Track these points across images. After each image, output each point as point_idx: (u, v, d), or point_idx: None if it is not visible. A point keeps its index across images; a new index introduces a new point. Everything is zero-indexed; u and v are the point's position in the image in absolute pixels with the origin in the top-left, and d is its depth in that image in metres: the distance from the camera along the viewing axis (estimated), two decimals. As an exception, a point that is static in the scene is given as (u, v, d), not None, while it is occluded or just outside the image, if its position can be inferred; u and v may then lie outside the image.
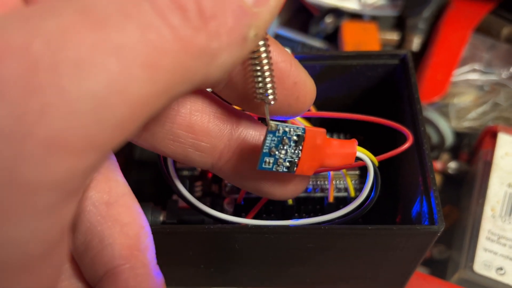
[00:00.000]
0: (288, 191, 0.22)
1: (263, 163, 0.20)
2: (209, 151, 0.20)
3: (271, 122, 0.19)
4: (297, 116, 0.21)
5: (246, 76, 0.19)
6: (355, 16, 0.47)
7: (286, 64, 0.19)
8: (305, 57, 0.29)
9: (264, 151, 0.20)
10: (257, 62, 0.18)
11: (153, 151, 0.20)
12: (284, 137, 0.20)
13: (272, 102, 0.19)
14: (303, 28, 0.49)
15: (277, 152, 0.20)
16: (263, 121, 0.21)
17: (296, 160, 0.20)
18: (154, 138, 0.19)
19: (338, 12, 0.46)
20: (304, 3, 0.48)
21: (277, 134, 0.19)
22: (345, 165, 0.23)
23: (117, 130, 0.13)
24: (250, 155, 0.20)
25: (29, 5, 0.14)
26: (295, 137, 0.20)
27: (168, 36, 0.13)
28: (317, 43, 0.46)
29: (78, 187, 0.13)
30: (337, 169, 0.28)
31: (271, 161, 0.20)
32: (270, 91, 0.18)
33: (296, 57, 0.28)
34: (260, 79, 0.18)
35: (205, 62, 0.14)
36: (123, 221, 0.18)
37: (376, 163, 0.23)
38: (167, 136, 0.19)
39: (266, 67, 0.18)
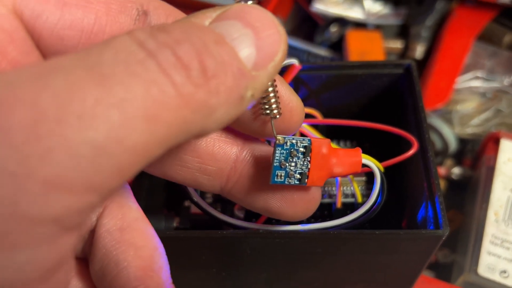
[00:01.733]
0: (298, 210, 0.22)
1: (275, 177, 0.21)
2: (216, 175, 0.21)
3: (278, 136, 0.20)
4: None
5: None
6: (359, 25, 0.48)
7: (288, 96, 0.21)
8: (312, 67, 0.30)
9: (275, 164, 0.20)
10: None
11: (164, 177, 0.21)
12: (292, 149, 0.20)
13: (278, 116, 0.20)
14: (309, 37, 0.50)
15: (287, 165, 0.20)
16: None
17: (306, 171, 0.21)
18: (162, 165, 0.21)
19: (342, 21, 0.47)
20: (310, 13, 0.49)
21: (285, 147, 0.20)
22: (353, 173, 0.24)
23: (115, 175, 0.14)
24: (257, 176, 0.21)
25: (43, 61, 0.15)
26: (302, 149, 0.21)
27: (171, 92, 0.14)
28: (322, 51, 0.47)
29: (76, 223, 0.14)
30: (345, 176, 0.28)
31: (283, 174, 0.21)
32: (274, 106, 0.19)
33: (304, 67, 0.30)
34: (265, 100, 0.19)
35: (203, 116, 0.15)
36: (137, 244, 0.19)
37: (382, 169, 0.24)
38: (174, 162, 0.21)
39: (270, 88, 0.19)
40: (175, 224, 0.29)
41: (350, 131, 0.33)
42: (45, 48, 0.19)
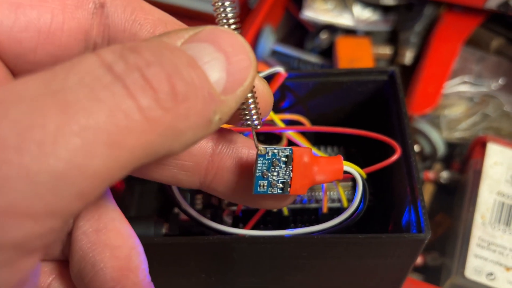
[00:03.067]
0: (282, 201, 0.23)
1: (258, 187, 0.21)
2: (194, 170, 0.21)
3: (260, 146, 0.21)
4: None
5: None
6: (349, 31, 0.49)
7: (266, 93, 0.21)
8: (298, 75, 0.31)
9: (257, 174, 0.21)
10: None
11: (143, 177, 0.21)
12: (274, 159, 0.21)
13: (259, 127, 0.20)
14: (299, 44, 0.50)
15: (269, 174, 0.21)
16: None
17: (288, 180, 0.21)
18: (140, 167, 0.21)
19: (332, 28, 0.48)
20: (300, 20, 0.50)
21: (266, 157, 0.21)
22: (335, 179, 0.24)
23: (76, 200, 0.14)
24: (235, 168, 0.22)
25: (6, 84, 0.14)
26: (284, 158, 0.21)
27: (136, 116, 0.14)
28: (312, 58, 0.48)
29: (38, 246, 0.14)
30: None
31: (265, 184, 0.21)
32: (255, 117, 0.20)
33: (290, 75, 0.30)
34: (246, 111, 0.19)
35: (170, 139, 0.15)
36: (113, 244, 0.19)
37: (364, 176, 0.24)
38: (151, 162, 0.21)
39: (251, 100, 0.19)
40: (164, 231, 0.29)
41: (338, 137, 0.33)
42: (3, 53, 0.19)
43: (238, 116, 0.20)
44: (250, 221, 0.28)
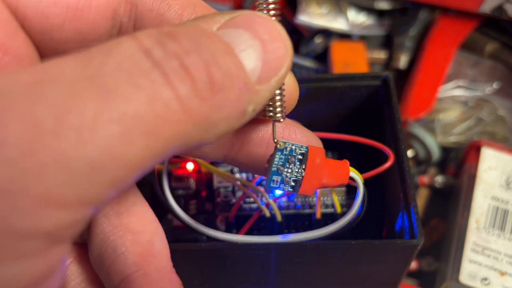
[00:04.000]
0: None
1: (272, 182, 0.21)
2: (220, 143, 0.21)
3: (280, 140, 0.21)
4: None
5: None
6: (344, 36, 0.49)
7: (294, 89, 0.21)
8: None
9: (273, 169, 0.21)
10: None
11: None
12: (290, 156, 0.21)
13: (282, 120, 0.20)
14: (294, 48, 0.50)
15: (284, 170, 0.21)
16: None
17: (300, 178, 0.21)
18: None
19: (327, 33, 0.48)
20: (295, 24, 0.50)
21: (284, 152, 0.21)
22: (340, 184, 0.24)
23: (109, 189, 0.14)
24: (261, 143, 0.21)
25: (41, 65, 0.14)
26: (299, 156, 0.21)
27: (175, 106, 0.14)
28: (307, 62, 0.48)
29: (68, 235, 0.14)
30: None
31: (279, 180, 0.21)
32: (279, 109, 0.19)
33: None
34: (271, 102, 0.19)
35: (203, 130, 0.15)
36: (135, 229, 0.19)
37: (362, 181, 0.24)
38: None
39: (278, 91, 0.19)
40: (157, 237, 0.29)
41: (332, 142, 0.33)
42: (30, 28, 0.18)
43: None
44: (244, 226, 0.28)
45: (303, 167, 0.21)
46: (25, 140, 0.12)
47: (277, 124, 0.21)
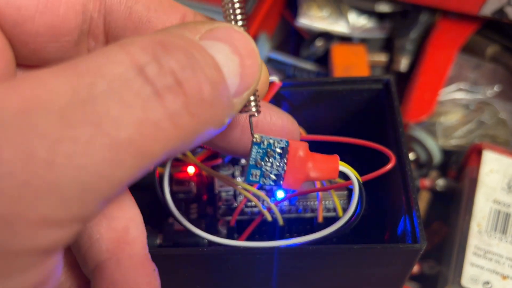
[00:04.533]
0: None
1: (250, 176, 0.21)
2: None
3: (256, 134, 0.21)
4: None
5: None
6: (344, 39, 0.49)
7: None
8: (293, 84, 0.31)
9: (251, 163, 0.21)
10: None
11: None
12: (269, 149, 0.21)
13: (256, 114, 0.20)
14: (295, 51, 0.50)
15: (263, 164, 0.21)
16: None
17: (282, 173, 0.21)
18: None
19: (328, 36, 0.48)
20: (296, 28, 0.50)
21: (262, 146, 0.21)
22: (329, 179, 0.24)
23: (100, 205, 0.14)
24: (232, 127, 0.21)
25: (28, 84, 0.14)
26: (279, 150, 0.21)
27: (166, 124, 0.14)
28: (308, 65, 0.48)
29: (62, 247, 0.15)
30: (323, 184, 0.29)
31: (258, 174, 0.21)
32: (253, 104, 0.19)
33: (284, 84, 0.30)
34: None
35: (188, 142, 0.15)
36: (110, 215, 0.19)
37: (360, 179, 0.24)
38: None
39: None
40: (158, 241, 0.29)
41: (333, 145, 0.33)
42: (2, 19, 0.18)
43: None
44: (245, 231, 0.28)
45: (285, 161, 0.21)
46: (19, 171, 0.12)
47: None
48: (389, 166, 0.27)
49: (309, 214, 0.30)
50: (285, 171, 0.21)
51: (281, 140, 0.21)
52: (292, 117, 0.24)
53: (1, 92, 0.13)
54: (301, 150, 0.21)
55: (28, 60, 0.20)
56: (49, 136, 0.13)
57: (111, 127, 0.13)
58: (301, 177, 0.21)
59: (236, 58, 0.16)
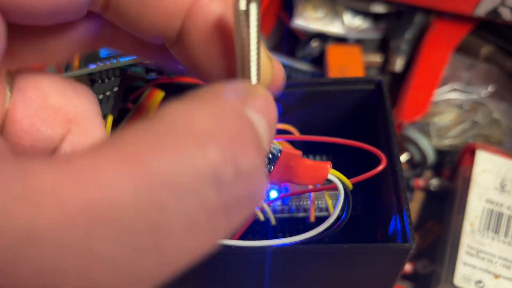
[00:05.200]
0: None
1: None
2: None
3: None
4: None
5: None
6: (340, 39, 0.49)
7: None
8: (286, 85, 0.31)
9: None
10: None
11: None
12: None
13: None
14: (291, 52, 0.50)
15: None
16: None
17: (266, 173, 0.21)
18: None
19: (323, 37, 0.48)
20: (291, 28, 0.50)
21: None
22: (315, 184, 0.24)
23: None
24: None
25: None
26: (269, 155, 0.21)
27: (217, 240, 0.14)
28: (304, 66, 0.48)
29: None
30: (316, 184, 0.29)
31: None
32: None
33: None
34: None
35: None
36: None
37: (349, 185, 0.24)
38: None
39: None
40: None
41: (326, 146, 0.33)
42: None
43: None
44: (238, 231, 0.28)
45: (272, 166, 0.21)
46: (4, 254, 0.11)
47: None
48: (380, 167, 0.27)
49: (301, 214, 0.30)
50: (269, 172, 0.21)
51: (274, 148, 0.21)
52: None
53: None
54: (292, 160, 0.21)
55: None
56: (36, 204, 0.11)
57: (174, 256, 0.13)
58: (284, 178, 0.22)
59: (267, 133, 0.15)
